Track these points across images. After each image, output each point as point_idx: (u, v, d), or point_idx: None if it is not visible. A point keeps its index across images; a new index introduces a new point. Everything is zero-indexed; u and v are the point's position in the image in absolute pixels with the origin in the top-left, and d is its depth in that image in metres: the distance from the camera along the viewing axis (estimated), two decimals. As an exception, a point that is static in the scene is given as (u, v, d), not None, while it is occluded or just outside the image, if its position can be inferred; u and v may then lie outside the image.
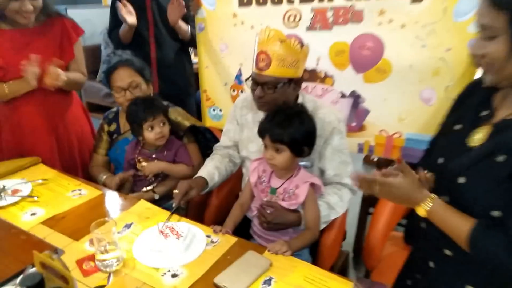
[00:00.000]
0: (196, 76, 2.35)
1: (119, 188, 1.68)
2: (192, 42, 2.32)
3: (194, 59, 2.65)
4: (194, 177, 1.50)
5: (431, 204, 0.89)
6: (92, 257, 1.14)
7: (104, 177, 1.74)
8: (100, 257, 1.11)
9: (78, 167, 1.99)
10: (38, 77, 1.62)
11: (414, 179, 0.91)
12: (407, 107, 1.75)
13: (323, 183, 1.35)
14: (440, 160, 0.95)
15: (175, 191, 1.38)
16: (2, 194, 1.46)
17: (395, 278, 1.26)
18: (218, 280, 1.07)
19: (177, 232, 1.23)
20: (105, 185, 1.70)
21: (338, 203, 1.41)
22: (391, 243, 1.73)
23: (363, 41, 1.72)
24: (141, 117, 1.60)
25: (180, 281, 1.08)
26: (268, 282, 1.08)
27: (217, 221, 1.67)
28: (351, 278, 1.94)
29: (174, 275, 1.10)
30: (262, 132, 1.28)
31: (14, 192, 1.48)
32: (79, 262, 1.14)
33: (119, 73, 1.68)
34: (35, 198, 1.45)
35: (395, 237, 1.76)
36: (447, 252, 0.96)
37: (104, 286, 1.00)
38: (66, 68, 1.80)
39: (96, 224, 1.11)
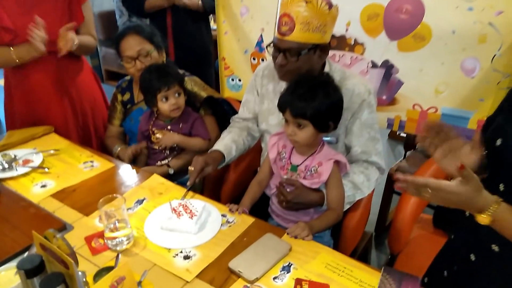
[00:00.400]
0: (215, 44, 2.22)
1: (133, 161, 1.62)
2: (210, 10, 2.17)
3: (213, 26, 2.51)
4: (209, 151, 1.40)
5: (497, 211, 0.75)
6: (101, 234, 1.08)
7: (119, 149, 1.67)
8: (109, 235, 1.05)
9: (92, 136, 1.94)
10: (46, 42, 1.53)
11: (477, 185, 0.76)
12: (445, 78, 1.58)
13: (348, 161, 1.23)
14: (498, 142, 0.81)
15: (190, 168, 1.29)
16: (13, 164, 1.41)
17: (428, 266, 1.16)
18: (233, 264, 0.99)
19: (191, 210, 1.15)
20: (119, 157, 1.64)
21: (364, 183, 1.30)
22: (418, 226, 1.62)
23: (400, 3, 1.53)
24: (154, 87, 1.50)
25: (193, 264, 1.01)
26: (287, 268, 1.00)
27: (234, 197, 1.60)
28: (374, 262, 1.83)
29: (186, 257, 1.03)
30: (282, 105, 1.15)
31: (25, 162, 1.44)
32: (88, 239, 1.09)
33: (127, 42, 1.57)
34: (46, 170, 1.40)
35: (423, 219, 1.65)
36: (495, 247, 0.84)
37: (112, 268, 0.94)
38: (75, 32, 1.71)
39: (104, 200, 1.05)
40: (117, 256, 0.99)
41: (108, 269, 0.95)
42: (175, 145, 1.61)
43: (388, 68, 1.67)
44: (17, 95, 1.76)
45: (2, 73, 1.78)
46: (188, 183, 1.29)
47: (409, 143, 2.32)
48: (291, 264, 1.01)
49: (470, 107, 1.58)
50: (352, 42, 1.70)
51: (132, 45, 1.56)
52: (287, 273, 0.98)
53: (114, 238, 1.05)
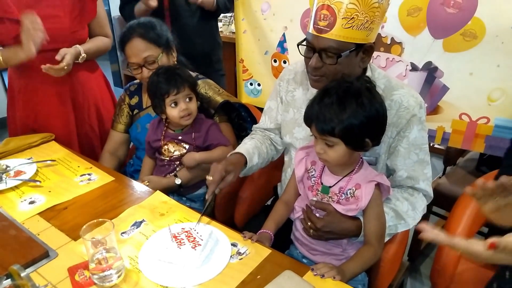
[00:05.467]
0: (230, 47, 2.01)
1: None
2: (220, 10, 1.99)
3: (221, 28, 2.28)
4: (228, 155, 1.20)
5: None
6: (88, 265, 0.90)
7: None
8: (94, 268, 0.87)
9: (99, 146, 1.79)
10: (39, 45, 1.36)
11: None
12: (501, 84, 1.34)
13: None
14: None
15: (208, 177, 1.07)
16: (3, 176, 1.26)
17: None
18: (242, 312, 0.79)
19: (195, 238, 0.95)
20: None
21: (409, 212, 1.07)
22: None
23: (449, -6, 1.31)
24: (162, 90, 1.32)
25: (193, 309, 0.81)
26: (311, 320, 0.79)
27: (249, 218, 1.40)
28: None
29: (186, 299, 0.84)
30: (308, 119, 0.95)
31: (17, 174, 1.28)
32: (72, 271, 0.91)
33: (132, 47, 1.39)
34: (38, 183, 1.24)
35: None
36: None
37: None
38: (88, 28, 1.59)
39: (89, 226, 0.87)
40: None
41: (87, 315, 0.76)
42: (198, 163, 1.39)
43: (430, 71, 1.44)
44: (20, 99, 1.63)
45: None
46: (206, 196, 1.07)
47: (449, 157, 2.05)
48: (317, 315, 0.80)
49: (530, 118, 1.33)
50: (389, 41, 1.48)
51: (137, 51, 1.39)
52: (312, 327, 0.77)
53: (100, 271, 0.87)
